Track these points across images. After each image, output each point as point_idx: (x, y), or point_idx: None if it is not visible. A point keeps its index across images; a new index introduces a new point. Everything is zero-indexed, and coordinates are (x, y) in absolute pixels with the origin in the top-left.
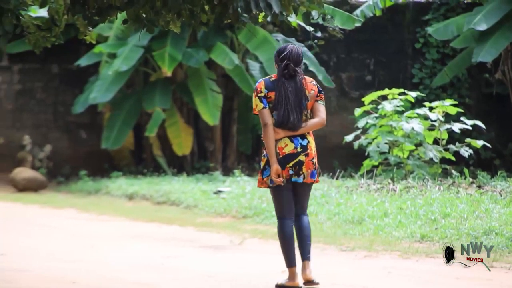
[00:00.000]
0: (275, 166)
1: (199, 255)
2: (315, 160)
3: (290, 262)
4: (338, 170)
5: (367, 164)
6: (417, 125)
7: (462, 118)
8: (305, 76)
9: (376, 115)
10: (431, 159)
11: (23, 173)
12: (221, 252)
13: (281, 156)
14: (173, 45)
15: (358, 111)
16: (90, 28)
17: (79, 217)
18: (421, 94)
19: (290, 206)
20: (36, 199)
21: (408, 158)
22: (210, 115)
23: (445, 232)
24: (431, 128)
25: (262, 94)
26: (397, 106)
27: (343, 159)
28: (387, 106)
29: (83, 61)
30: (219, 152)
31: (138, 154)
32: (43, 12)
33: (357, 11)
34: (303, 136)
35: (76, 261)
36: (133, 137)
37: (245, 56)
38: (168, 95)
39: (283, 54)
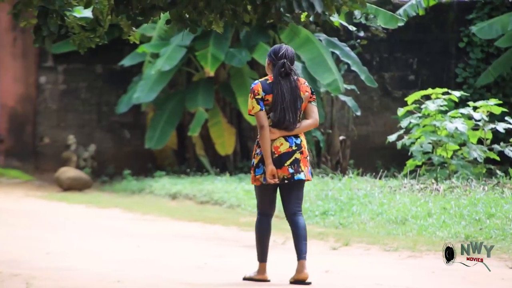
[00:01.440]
0: (270, 167)
1: (243, 255)
2: (308, 158)
3: (262, 257)
4: (381, 170)
5: (410, 164)
6: (461, 125)
7: (506, 118)
8: (299, 78)
9: (420, 114)
10: (475, 159)
11: (68, 172)
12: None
13: (277, 155)
14: (215, 45)
15: (401, 111)
16: (133, 28)
17: (124, 216)
18: (465, 94)
19: (272, 204)
20: (81, 199)
21: (451, 158)
22: None
23: (490, 233)
24: (475, 128)
25: (259, 97)
26: (441, 106)
27: (386, 159)
28: (430, 106)
29: (127, 61)
30: None
31: (181, 153)
32: (88, 13)
33: (400, 11)
34: (296, 135)
35: (120, 261)
36: (176, 137)
37: None
38: (210, 95)
39: (280, 53)
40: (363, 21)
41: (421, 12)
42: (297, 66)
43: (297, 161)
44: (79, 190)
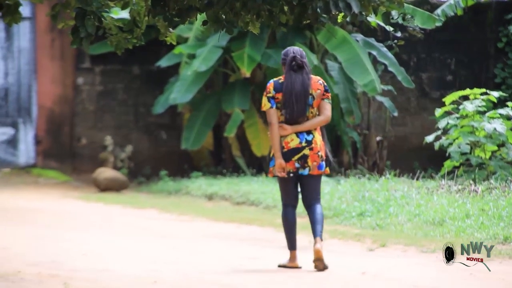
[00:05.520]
0: (279, 161)
1: (279, 256)
2: (321, 153)
3: (291, 246)
4: (418, 171)
5: (448, 165)
6: (499, 126)
7: None
8: (312, 76)
9: (457, 115)
10: None
11: (105, 173)
12: (300, 253)
13: (285, 149)
14: (252, 46)
15: (438, 112)
16: (170, 29)
17: (160, 217)
18: (504, 94)
19: (294, 195)
20: (118, 199)
21: (490, 158)
22: None
23: None
24: None
25: (271, 95)
26: (479, 106)
27: (423, 160)
28: (468, 106)
29: (164, 62)
30: None
31: (217, 154)
32: (125, 14)
33: (438, 11)
34: (308, 132)
35: (157, 261)
36: (212, 138)
37: (324, 56)
38: (247, 95)
39: (288, 51)
40: (400, 22)
41: (459, 12)
42: (334, 66)
43: (304, 157)
44: (116, 190)
